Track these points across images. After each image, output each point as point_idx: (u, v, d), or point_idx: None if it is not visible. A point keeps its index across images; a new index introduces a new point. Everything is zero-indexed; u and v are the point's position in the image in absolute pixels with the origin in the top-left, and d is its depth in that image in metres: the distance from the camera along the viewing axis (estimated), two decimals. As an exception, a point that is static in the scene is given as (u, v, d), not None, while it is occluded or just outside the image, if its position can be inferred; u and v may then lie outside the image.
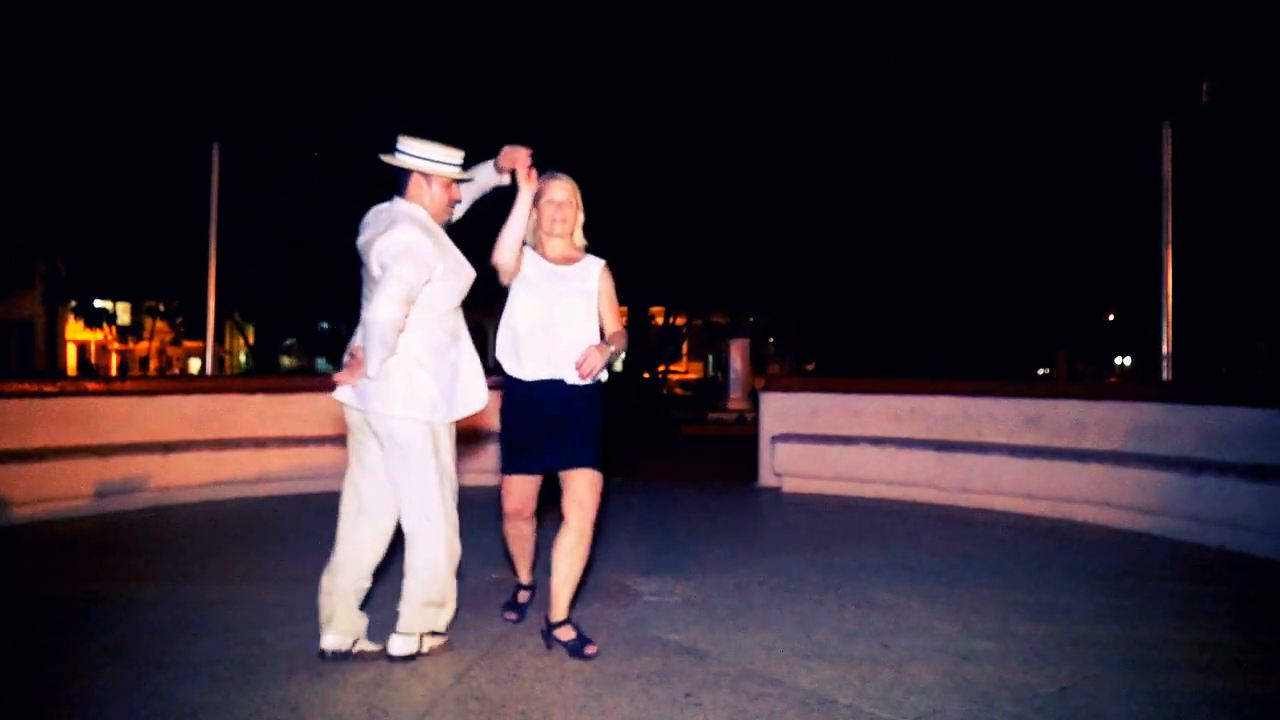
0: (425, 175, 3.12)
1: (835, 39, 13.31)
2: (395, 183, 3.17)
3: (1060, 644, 3.35)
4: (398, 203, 3.15)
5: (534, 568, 3.73)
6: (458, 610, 3.30)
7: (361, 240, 3.14)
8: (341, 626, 3.14)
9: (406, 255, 2.97)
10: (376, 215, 3.18)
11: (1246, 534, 5.01)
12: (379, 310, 2.93)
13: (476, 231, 3.44)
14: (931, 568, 4.57)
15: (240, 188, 10.43)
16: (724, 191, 14.71)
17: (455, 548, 3.19)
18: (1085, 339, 30.39)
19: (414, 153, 3.09)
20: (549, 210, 3.32)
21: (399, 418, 3.03)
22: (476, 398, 3.23)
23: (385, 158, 3.14)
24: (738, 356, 21.83)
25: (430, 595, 3.13)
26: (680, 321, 19.36)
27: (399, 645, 3.12)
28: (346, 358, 3.13)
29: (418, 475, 3.08)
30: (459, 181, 3.24)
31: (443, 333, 3.13)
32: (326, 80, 13.04)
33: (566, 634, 3.23)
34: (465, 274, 3.18)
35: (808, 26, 13.18)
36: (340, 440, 6.92)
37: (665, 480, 7.85)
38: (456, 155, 3.14)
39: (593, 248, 3.47)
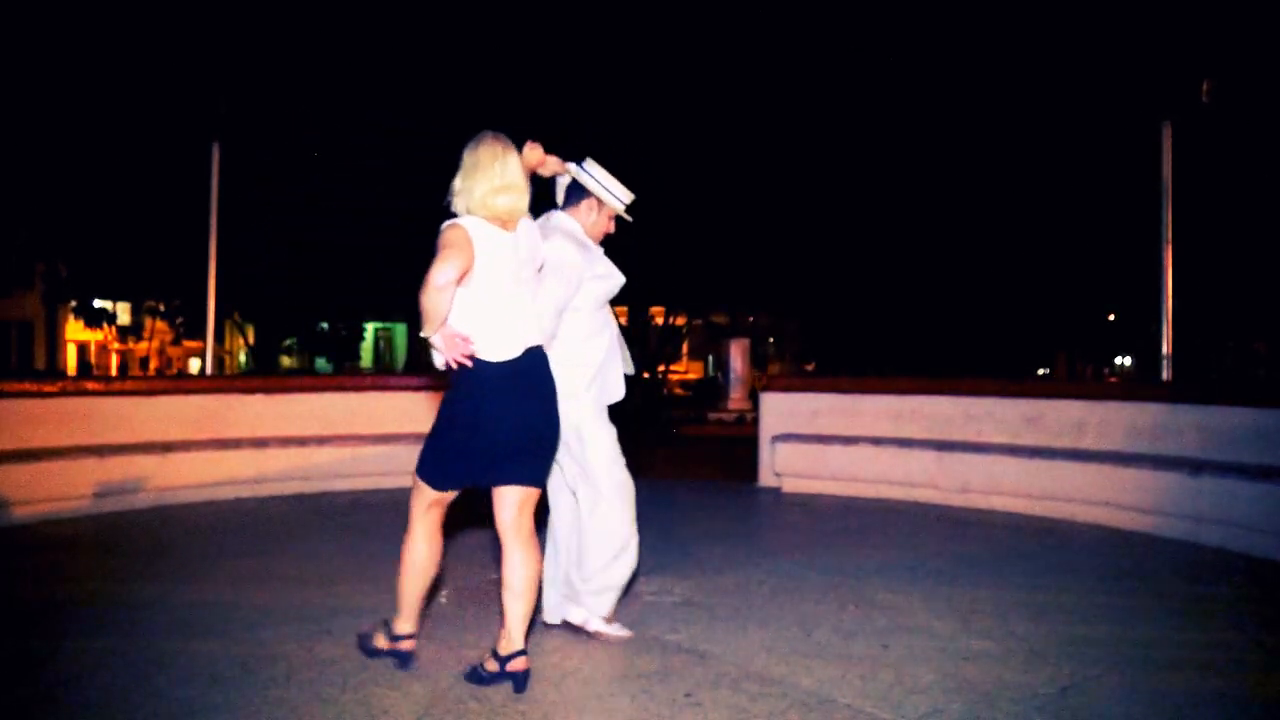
0: (599, 201, 3.33)
1: (836, 39, 13.31)
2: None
3: (1060, 644, 3.36)
4: (555, 215, 3.37)
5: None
6: (458, 611, 3.31)
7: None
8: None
9: (558, 272, 3.21)
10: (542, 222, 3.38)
11: (1246, 534, 5.01)
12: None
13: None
14: (931, 568, 4.57)
15: (240, 188, 10.43)
16: (725, 191, 14.72)
17: (590, 529, 3.32)
18: (1085, 339, 30.39)
19: (600, 179, 3.32)
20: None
21: None
22: (614, 388, 3.39)
23: (573, 170, 3.33)
24: (738, 356, 21.77)
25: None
26: (680, 321, 19.36)
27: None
28: None
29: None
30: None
31: (584, 328, 3.31)
32: (326, 80, 13.04)
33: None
34: (614, 280, 3.36)
35: (808, 26, 13.18)
36: (339, 440, 6.95)
37: (665, 480, 7.85)
38: (630, 196, 3.37)
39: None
